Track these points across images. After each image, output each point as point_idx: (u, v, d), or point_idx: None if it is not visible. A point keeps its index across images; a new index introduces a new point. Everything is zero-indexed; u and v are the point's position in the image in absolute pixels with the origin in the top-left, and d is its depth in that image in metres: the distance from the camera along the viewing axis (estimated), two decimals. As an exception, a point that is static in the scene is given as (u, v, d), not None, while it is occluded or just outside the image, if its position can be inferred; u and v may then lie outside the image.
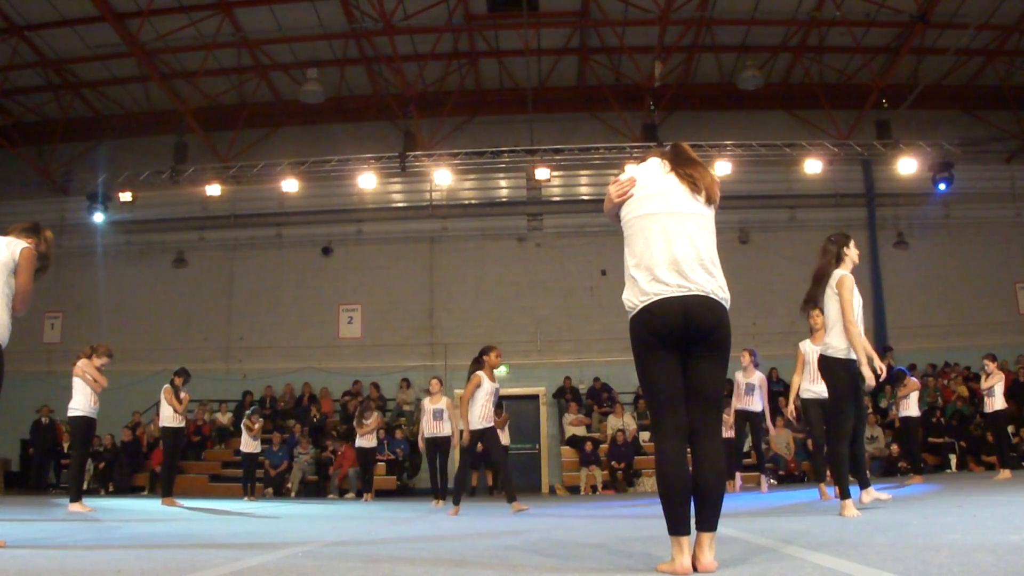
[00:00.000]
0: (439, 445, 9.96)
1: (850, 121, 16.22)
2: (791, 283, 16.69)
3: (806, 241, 16.90)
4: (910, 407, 10.63)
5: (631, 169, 3.32)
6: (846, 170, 16.86)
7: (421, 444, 10.35)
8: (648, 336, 2.99)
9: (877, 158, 15.91)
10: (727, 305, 3.06)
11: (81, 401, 8.26)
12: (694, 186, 3.12)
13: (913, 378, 11.00)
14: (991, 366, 10.26)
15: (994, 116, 16.62)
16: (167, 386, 9.87)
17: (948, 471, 13.18)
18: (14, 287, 4.20)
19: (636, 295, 3.04)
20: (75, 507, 7.90)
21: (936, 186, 15.43)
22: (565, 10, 14.76)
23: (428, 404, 10.10)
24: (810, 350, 7.64)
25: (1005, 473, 9.85)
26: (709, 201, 3.14)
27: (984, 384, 10.39)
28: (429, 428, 9.99)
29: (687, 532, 2.82)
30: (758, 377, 9.78)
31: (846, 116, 16.25)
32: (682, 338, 2.97)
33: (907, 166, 15.04)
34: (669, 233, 3.05)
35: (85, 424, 8.28)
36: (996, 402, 10.12)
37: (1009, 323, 16.26)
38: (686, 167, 3.17)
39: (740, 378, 9.84)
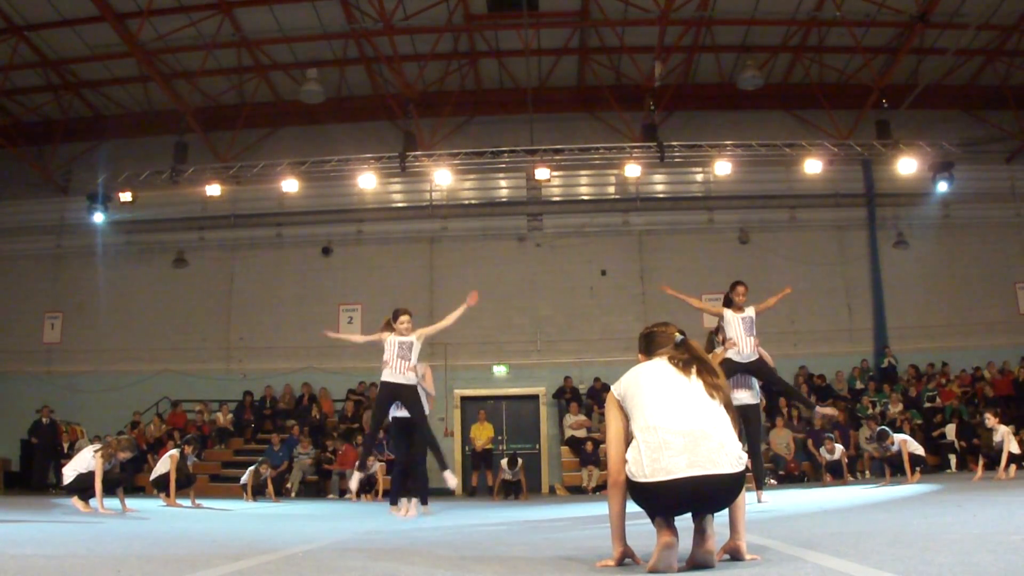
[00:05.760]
0: (402, 396, 6.62)
1: (850, 121, 16.22)
2: (791, 283, 16.65)
3: (806, 241, 16.97)
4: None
5: None
6: (846, 170, 16.84)
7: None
8: None
9: (877, 158, 15.91)
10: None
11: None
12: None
13: (894, 435, 10.44)
14: (992, 420, 9.76)
15: (994, 116, 16.62)
16: (175, 454, 9.75)
17: (948, 471, 13.17)
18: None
19: None
20: (77, 503, 8.05)
21: (936, 186, 15.42)
22: (565, 10, 14.75)
23: (392, 336, 6.97)
24: None
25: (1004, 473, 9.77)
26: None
27: (995, 439, 9.80)
28: (390, 369, 6.76)
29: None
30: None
31: (846, 116, 16.25)
32: None
33: (907, 166, 15.03)
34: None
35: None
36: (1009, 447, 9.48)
37: (1009, 323, 16.24)
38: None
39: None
